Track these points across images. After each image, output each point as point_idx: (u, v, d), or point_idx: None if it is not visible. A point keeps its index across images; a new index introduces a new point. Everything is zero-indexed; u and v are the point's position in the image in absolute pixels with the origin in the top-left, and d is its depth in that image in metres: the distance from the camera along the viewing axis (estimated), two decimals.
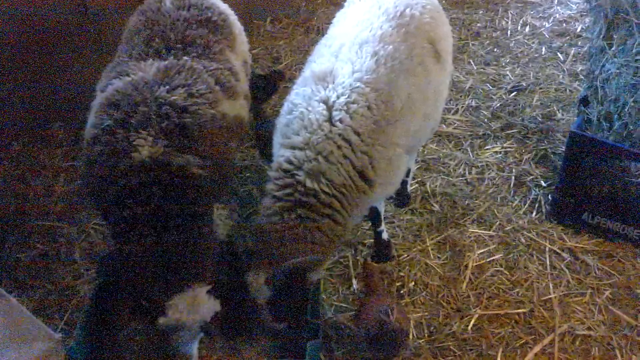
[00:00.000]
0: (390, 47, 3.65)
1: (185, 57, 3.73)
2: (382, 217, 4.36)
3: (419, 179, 5.12)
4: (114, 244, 3.40)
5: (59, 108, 5.60)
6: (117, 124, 3.38)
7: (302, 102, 3.54)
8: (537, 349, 3.81)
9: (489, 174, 5.17)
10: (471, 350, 3.81)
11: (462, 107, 5.94)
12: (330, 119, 3.46)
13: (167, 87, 3.48)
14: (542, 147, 5.41)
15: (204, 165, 3.39)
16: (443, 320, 3.99)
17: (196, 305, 3.27)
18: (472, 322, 3.95)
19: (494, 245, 4.51)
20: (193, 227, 3.31)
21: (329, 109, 3.47)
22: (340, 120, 3.45)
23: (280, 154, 3.54)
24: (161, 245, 3.23)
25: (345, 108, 3.45)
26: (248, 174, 5.24)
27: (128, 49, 3.87)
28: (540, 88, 6.19)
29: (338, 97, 3.48)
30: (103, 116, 3.46)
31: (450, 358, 3.77)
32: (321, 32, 6.88)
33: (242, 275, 3.52)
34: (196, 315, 3.28)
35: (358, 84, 3.50)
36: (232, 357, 3.71)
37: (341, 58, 3.63)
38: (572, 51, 6.75)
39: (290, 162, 3.47)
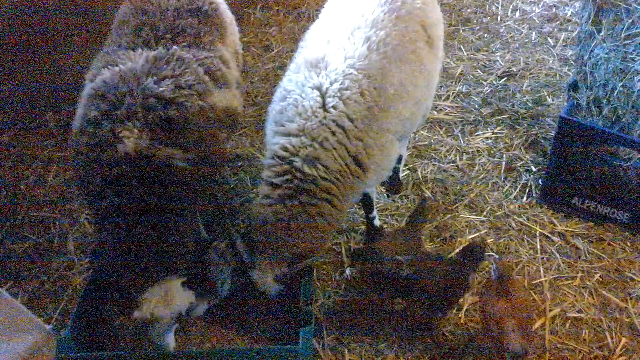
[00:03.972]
0: (383, 32, 3.65)
1: (174, 47, 3.71)
2: (374, 204, 4.38)
3: (410, 166, 5.14)
4: (93, 234, 3.42)
5: (50, 98, 5.58)
6: (103, 115, 3.37)
7: (295, 89, 3.55)
8: None
9: (479, 159, 5.20)
10: (463, 334, 3.85)
11: (453, 93, 5.96)
12: (324, 106, 3.47)
13: (155, 78, 3.46)
14: (532, 133, 5.44)
15: (189, 159, 3.39)
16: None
17: (170, 298, 3.30)
18: (464, 308, 3.97)
19: (485, 230, 4.55)
20: (171, 221, 3.32)
21: (323, 95, 3.48)
22: (334, 107, 3.46)
23: (275, 141, 3.54)
24: (135, 237, 3.25)
25: (338, 94, 3.46)
26: (240, 163, 5.25)
27: (117, 38, 3.85)
28: (531, 73, 6.22)
29: (331, 84, 3.49)
30: (90, 107, 3.44)
31: (442, 342, 3.80)
32: (312, 18, 6.87)
33: (246, 271, 3.60)
34: (170, 308, 3.30)
35: (350, 70, 3.50)
36: (226, 344, 3.73)
37: (333, 44, 3.64)
38: (562, 36, 6.78)
39: (285, 149, 3.48)
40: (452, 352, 3.74)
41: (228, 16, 4.35)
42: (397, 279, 3.68)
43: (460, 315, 3.93)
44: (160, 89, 3.42)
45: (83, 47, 5.50)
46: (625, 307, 3.99)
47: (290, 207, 3.46)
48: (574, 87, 4.73)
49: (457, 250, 4.17)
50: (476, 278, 3.98)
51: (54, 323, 3.91)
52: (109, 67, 3.58)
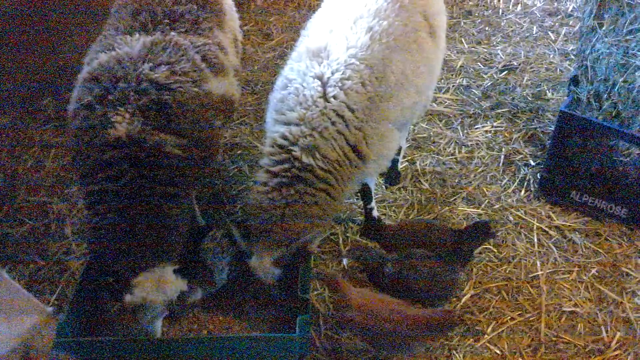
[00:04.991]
0: (385, 22, 3.65)
1: (172, 33, 3.69)
2: (373, 195, 4.38)
3: (409, 158, 5.14)
4: (87, 218, 3.43)
5: (49, 83, 5.56)
6: (96, 99, 3.36)
7: (296, 78, 3.55)
8: (523, 325, 3.86)
9: (478, 152, 5.20)
10: (458, 325, 3.86)
11: (453, 86, 5.95)
12: (324, 95, 3.47)
13: (151, 64, 3.44)
14: (531, 127, 5.44)
15: (182, 145, 3.39)
16: None
17: (162, 284, 3.32)
18: (462, 301, 3.97)
19: None
20: (163, 207, 3.33)
21: (324, 85, 3.48)
22: (335, 97, 3.46)
23: (275, 129, 3.56)
24: (127, 222, 3.26)
25: (339, 84, 3.47)
26: (239, 151, 5.24)
27: (115, 22, 3.83)
28: (531, 67, 6.21)
29: (332, 74, 3.49)
30: (84, 90, 3.45)
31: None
32: (313, 8, 6.83)
33: (243, 259, 3.62)
34: (162, 294, 3.32)
35: (352, 60, 3.51)
36: (224, 331, 3.74)
37: (336, 33, 3.63)
38: (563, 31, 6.76)
39: (285, 138, 3.49)
40: (447, 344, 3.75)
41: (227, 2, 4.33)
42: (382, 278, 3.73)
43: (457, 308, 3.94)
44: (155, 74, 3.41)
45: (83, 31, 5.47)
46: (621, 302, 4.00)
47: (286, 194, 3.48)
48: (574, 81, 4.73)
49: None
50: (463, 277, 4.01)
51: (52, 307, 3.91)
52: (106, 51, 3.58)
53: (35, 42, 5.42)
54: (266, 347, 3.42)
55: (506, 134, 5.38)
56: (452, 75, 6.10)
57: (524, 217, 4.60)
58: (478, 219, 4.47)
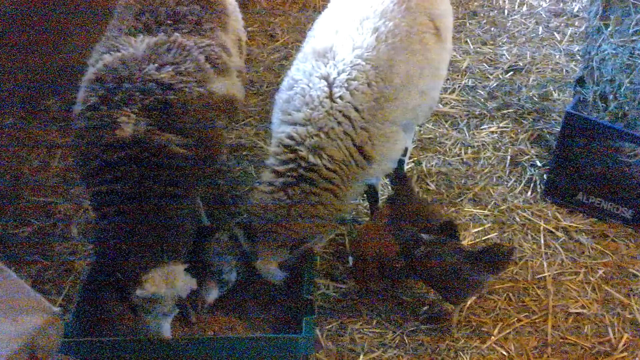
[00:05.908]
0: (391, 23, 3.65)
1: (176, 34, 3.70)
2: (379, 196, 4.38)
3: (415, 159, 5.13)
4: (94, 218, 3.43)
5: (53, 83, 5.57)
6: (102, 100, 3.37)
7: (303, 78, 3.55)
8: (529, 326, 3.85)
9: (484, 153, 5.19)
10: (465, 326, 3.85)
11: (459, 86, 5.93)
12: (330, 96, 3.47)
13: (156, 64, 3.45)
14: (537, 127, 5.43)
15: (186, 145, 3.39)
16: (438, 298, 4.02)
17: (172, 280, 3.31)
18: (468, 302, 3.96)
19: (489, 224, 4.53)
20: (169, 207, 3.33)
21: (330, 85, 3.48)
22: (341, 97, 3.46)
23: (281, 130, 3.56)
24: (133, 221, 3.26)
25: (345, 85, 3.47)
26: (244, 152, 5.24)
27: (118, 23, 3.84)
28: (537, 68, 6.19)
29: (338, 74, 3.49)
30: (89, 91, 3.46)
31: (444, 335, 3.81)
32: (318, 8, 6.85)
33: (248, 260, 3.64)
34: (172, 290, 3.32)
35: (358, 60, 3.51)
36: (228, 332, 3.74)
37: (342, 34, 3.63)
38: (569, 31, 6.74)
39: (291, 138, 3.50)
40: (453, 345, 3.75)
41: (231, 3, 4.33)
42: (412, 258, 3.68)
43: (462, 309, 3.93)
44: (160, 75, 3.42)
45: (86, 31, 5.46)
46: (628, 304, 3.98)
47: (291, 194, 3.48)
48: (580, 82, 4.71)
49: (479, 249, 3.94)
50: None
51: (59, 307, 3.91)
52: (111, 52, 3.59)
53: (39, 42, 5.43)
54: (271, 347, 3.41)
55: (512, 135, 5.37)
56: (457, 76, 6.09)
57: (530, 218, 4.59)
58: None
